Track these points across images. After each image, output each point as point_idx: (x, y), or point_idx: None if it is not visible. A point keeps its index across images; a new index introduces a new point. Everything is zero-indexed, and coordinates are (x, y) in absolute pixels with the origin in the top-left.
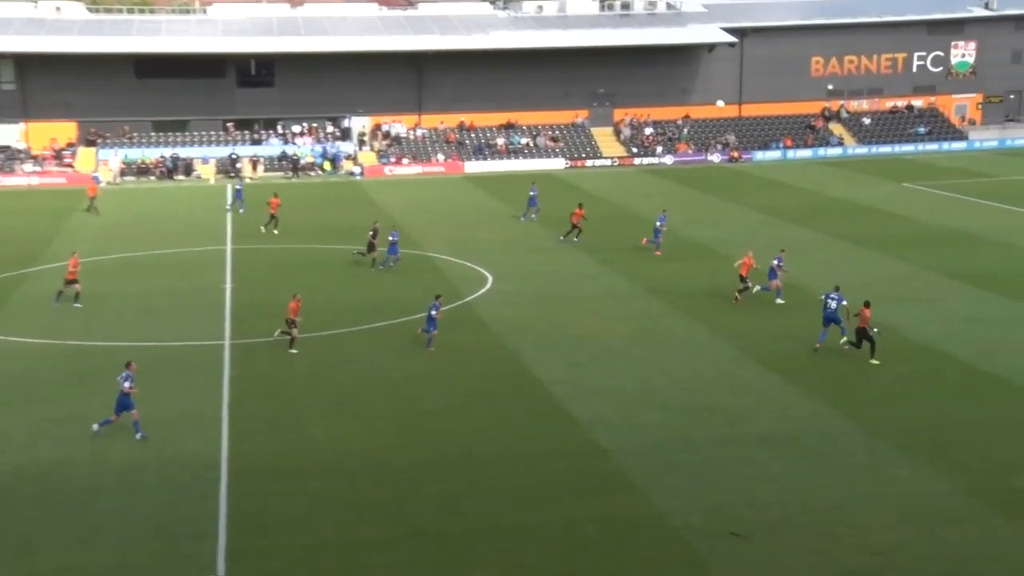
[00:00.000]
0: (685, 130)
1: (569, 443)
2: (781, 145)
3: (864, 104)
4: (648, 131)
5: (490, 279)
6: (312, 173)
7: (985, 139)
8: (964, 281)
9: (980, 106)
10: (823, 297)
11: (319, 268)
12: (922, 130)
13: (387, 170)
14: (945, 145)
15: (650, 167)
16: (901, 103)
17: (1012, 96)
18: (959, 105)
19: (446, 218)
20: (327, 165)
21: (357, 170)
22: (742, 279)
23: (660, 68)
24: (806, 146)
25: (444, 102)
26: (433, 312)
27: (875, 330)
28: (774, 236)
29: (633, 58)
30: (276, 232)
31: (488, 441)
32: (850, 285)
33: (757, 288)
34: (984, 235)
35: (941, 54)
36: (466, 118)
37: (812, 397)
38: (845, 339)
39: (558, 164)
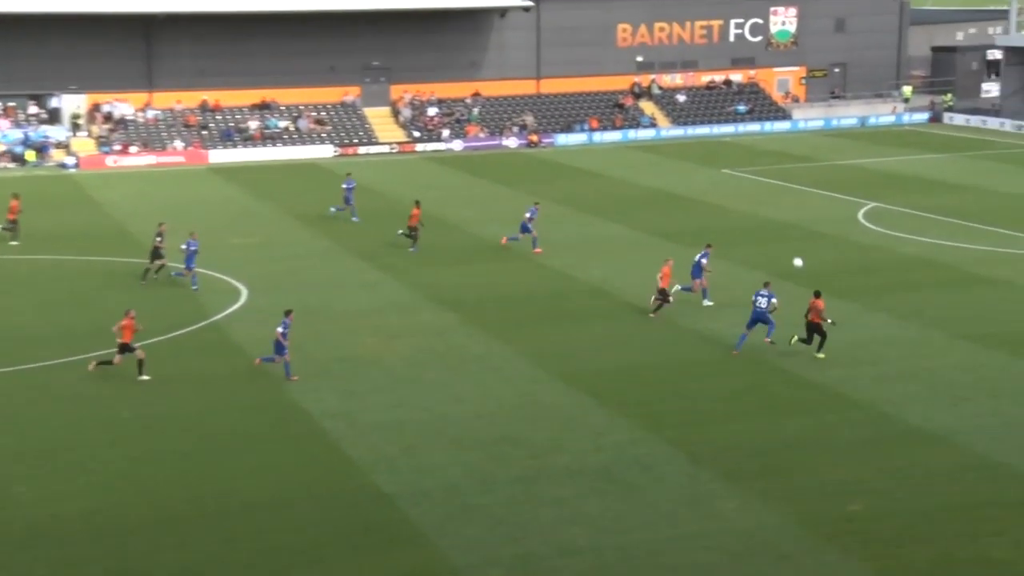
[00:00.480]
0: (475, 110)
1: (345, 488)
2: (586, 127)
3: (678, 78)
4: (432, 111)
5: (244, 293)
6: (11, 165)
7: (810, 118)
8: (796, 282)
9: (803, 81)
10: (754, 297)
11: (23, 285)
12: (742, 108)
13: (110, 160)
14: (767, 125)
15: (435, 154)
16: (718, 77)
17: (837, 69)
18: (781, 80)
19: (187, 219)
20: (30, 155)
21: (70, 161)
22: (662, 292)
23: (445, 37)
24: (614, 128)
25: (182, 77)
26: (281, 330)
27: (828, 321)
28: (578, 232)
29: (413, 25)
30: (15, 243)
31: (246, 490)
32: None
33: (677, 287)
34: (814, 227)
35: (760, 21)
36: (210, 96)
37: (629, 420)
38: (795, 337)
39: (325, 152)
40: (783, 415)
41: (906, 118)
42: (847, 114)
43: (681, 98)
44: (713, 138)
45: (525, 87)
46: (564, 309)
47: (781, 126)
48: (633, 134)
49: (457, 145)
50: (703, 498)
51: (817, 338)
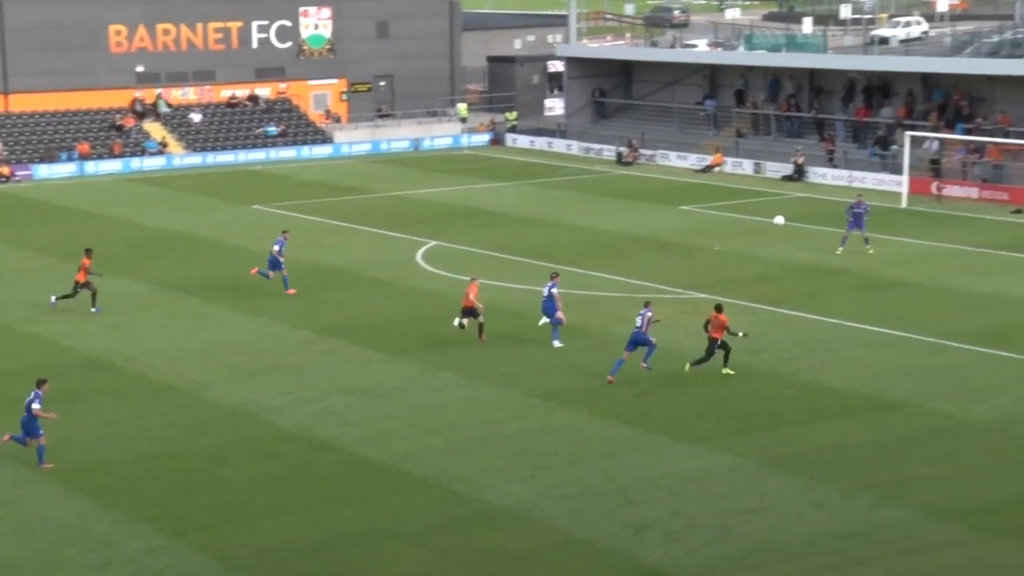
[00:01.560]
0: None
1: None
2: (75, 155)
3: (191, 93)
4: None
5: None
6: None
7: (355, 142)
8: (349, 340)
9: (345, 96)
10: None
11: None
12: (273, 130)
13: None
14: (305, 151)
15: None
16: (242, 92)
17: (383, 83)
18: (318, 95)
19: None
20: None
21: None
22: (469, 311)
23: None
24: (112, 155)
25: None
26: (36, 407)
27: (740, 334)
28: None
29: None
30: None
31: None
32: (192, 351)
33: (544, 321)
34: (367, 272)
35: (288, 24)
36: None
37: (146, 524)
38: (689, 365)
39: None
40: (337, 503)
41: (464, 140)
42: (398, 136)
43: (196, 117)
44: (239, 167)
45: None
46: (58, 390)
47: (321, 151)
48: (138, 163)
49: None
50: None
51: (721, 352)
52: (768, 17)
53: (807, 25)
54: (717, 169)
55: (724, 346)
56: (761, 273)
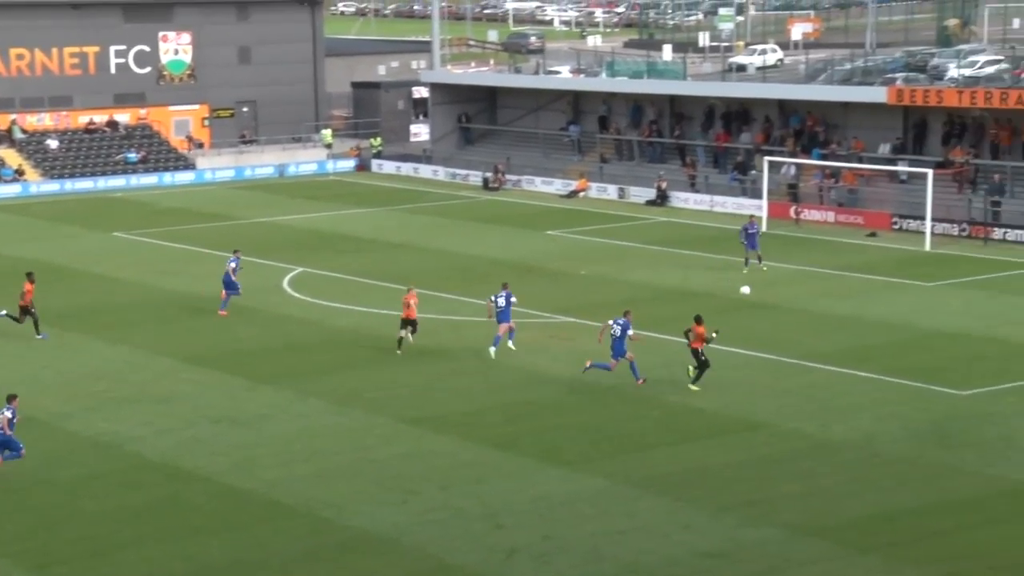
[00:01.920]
0: None
1: None
2: None
3: (47, 119)
4: None
5: None
6: None
7: (218, 168)
8: (215, 368)
9: (207, 122)
10: (611, 323)
11: None
12: (133, 157)
13: None
14: (167, 177)
15: None
16: (100, 118)
17: (246, 109)
18: (180, 121)
19: None
20: None
21: None
22: (409, 322)
23: None
24: None
25: None
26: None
27: (713, 335)
28: None
29: None
30: None
31: None
32: (52, 381)
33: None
34: (236, 301)
35: (147, 49)
36: None
37: (7, 560)
38: (690, 374)
39: None
40: (205, 534)
41: (330, 166)
42: (262, 162)
43: (53, 144)
44: (99, 194)
45: None
46: None
47: (184, 177)
48: None
49: None
50: None
51: (696, 370)
52: (629, 44)
53: (667, 52)
54: (582, 194)
55: (702, 363)
56: (628, 297)
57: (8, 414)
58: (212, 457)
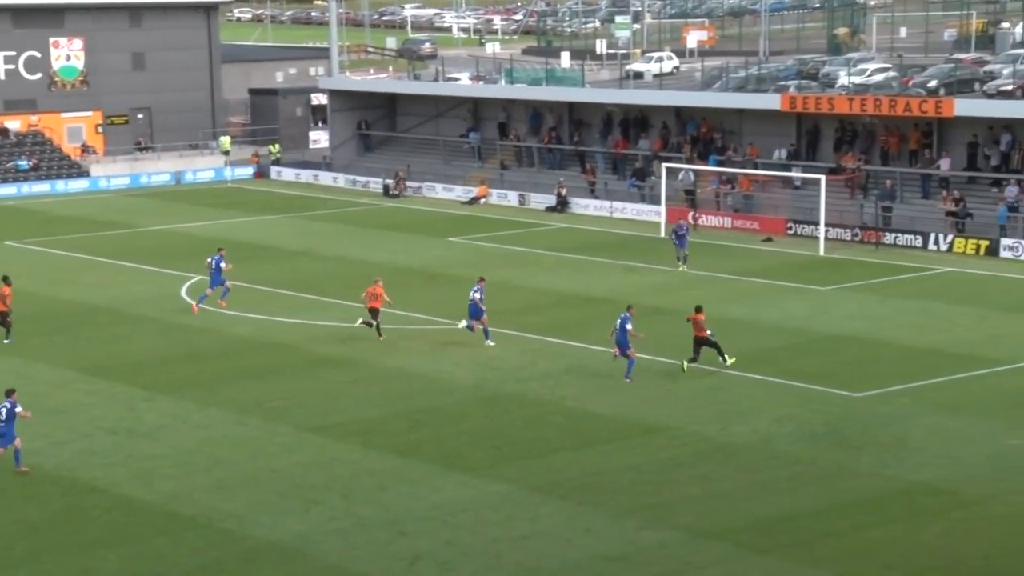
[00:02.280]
0: None
1: None
2: None
3: None
4: None
5: None
6: None
7: (113, 175)
8: (112, 379)
9: (100, 129)
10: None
11: None
12: (24, 164)
13: None
14: (60, 185)
15: None
16: None
17: (140, 116)
18: (73, 128)
19: None
20: None
21: None
22: (373, 312)
23: None
24: None
25: None
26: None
27: (711, 334)
28: None
29: None
30: None
31: None
32: None
33: (464, 324)
34: (131, 309)
35: (38, 55)
36: None
37: None
38: (685, 363)
39: None
40: (102, 547)
41: (228, 173)
42: (158, 169)
43: None
44: None
45: None
46: None
47: (78, 185)
48: None
49: None
50: None
51: (711, 350)
52: (527, 51)
53: (565, 60)
54: (483, 201)
55: (712, 344)
56: (530, 303)
57: (9, 406)
58: (109, 469)
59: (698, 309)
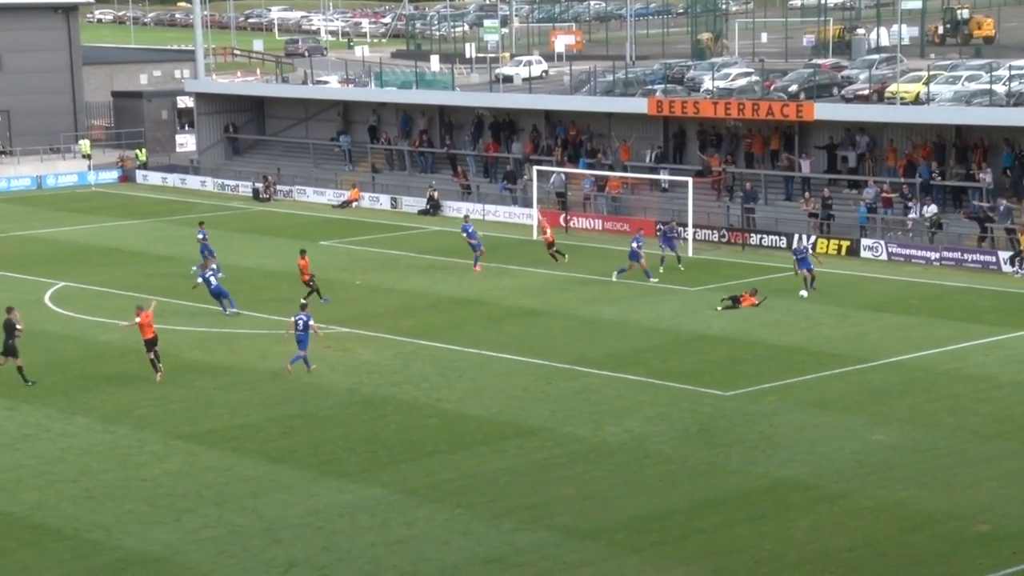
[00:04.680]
0: None
1: None
2: None
3: None
4: None
5: None
6: None
7: None
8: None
9: None
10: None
11: None
12: None
13: None
14: None
15: None
16: None
17: (0, 118)
18: None
19: None
20: None
21: None
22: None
23: None
24: None
25: None
26: None
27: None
28: None
29: None
30: None
31: None
32: None
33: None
34: None
35: None
36: None
37: None
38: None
39: None
40: None
41: (92, 178)
42: (19, 173)
43: None
44: None
45: None
46: None
47: None
48: None
49: None
50: None
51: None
52: (396, 55)
53: (435, 63)
54: (355, 204)
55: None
56: (403, 305)
57: None
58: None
59: (753, 291)
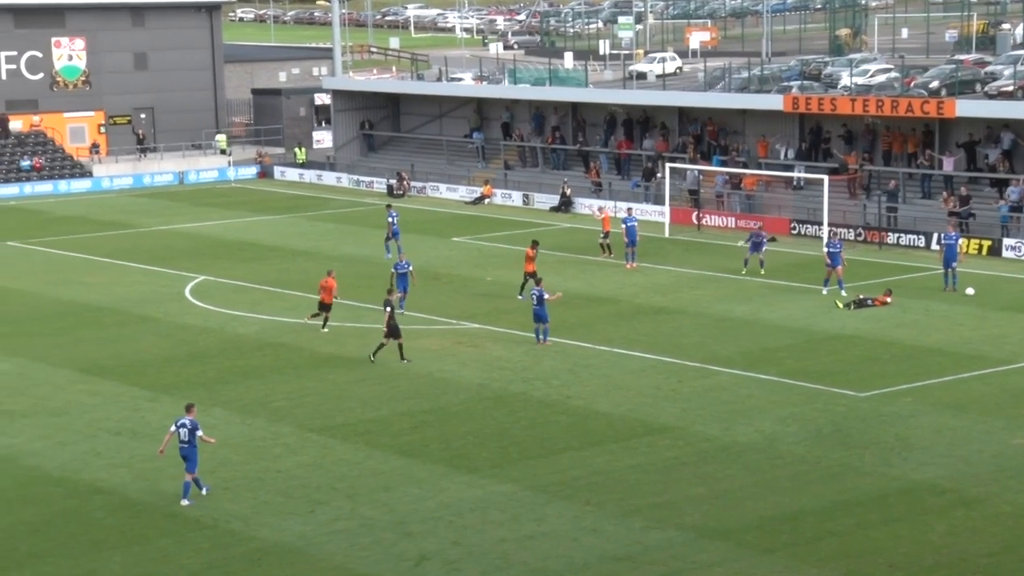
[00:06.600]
0: None
1: None
2: None
3: None
4: None
5: None
6: None
7: (116, 175)
8: (116, 380)
9: (103, 129)
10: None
11: None
12: (27, 164)
13: None
14: (63, 185)
15: None
16: None
17: (143, 115)
18: (75, 128)
19: None
20: None
21: None
22: (326, 306)
23: None
24: None
25: None
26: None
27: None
28: None
29: None
30: None
31: None
32: None
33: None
34: (134, 309)
35: (39, 55)
36: None
37: None
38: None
39: None
40: (106, 548)
41: (231, 173)
42: (161, 169)
43: None
44: None
45: None
46: None
47: (80, 185)
48: None
49: None
50: None
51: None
52: (530, 52)
53: (568, 60)
54: (487, 201)
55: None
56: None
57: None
58: (112, 470)
59: (888, 291)
